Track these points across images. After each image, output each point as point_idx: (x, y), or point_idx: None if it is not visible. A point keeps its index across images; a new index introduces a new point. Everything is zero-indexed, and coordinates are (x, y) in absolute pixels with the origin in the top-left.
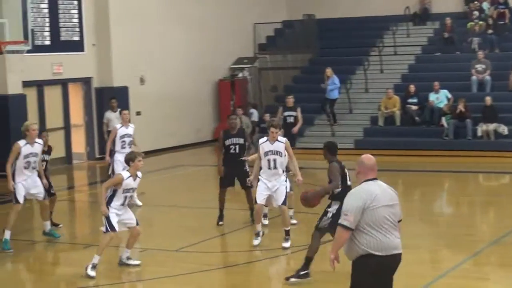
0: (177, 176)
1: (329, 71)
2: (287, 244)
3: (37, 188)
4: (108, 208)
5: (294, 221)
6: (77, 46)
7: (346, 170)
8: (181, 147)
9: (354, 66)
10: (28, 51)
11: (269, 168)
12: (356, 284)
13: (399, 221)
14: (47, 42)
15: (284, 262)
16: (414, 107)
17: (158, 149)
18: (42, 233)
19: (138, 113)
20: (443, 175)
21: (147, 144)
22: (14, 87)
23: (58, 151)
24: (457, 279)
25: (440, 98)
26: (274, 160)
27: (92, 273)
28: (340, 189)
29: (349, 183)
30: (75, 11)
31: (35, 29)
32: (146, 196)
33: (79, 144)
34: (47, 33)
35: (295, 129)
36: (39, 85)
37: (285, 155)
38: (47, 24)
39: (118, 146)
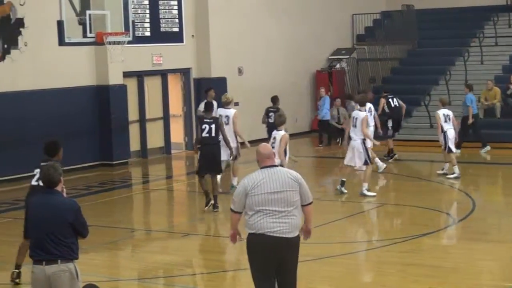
0: None
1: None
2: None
3: None
4: None
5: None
6: (177, 37)
7: None
8: None
9: (453, 57)
10: (129, 42)
11: None
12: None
13: (308, 204)
14: (147, 33)
15: (380, 253)
16: None
17: (255, 139)
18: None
19: (236, 104)
20: None
21: (244, 135)
22: (115, 78)
23: (157, 141)
24: None
25: None
26: None
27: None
28: None
29: None
30: (175, 2)
31: (135, 20)
32: None
33: (177, 134)
34: (147, 24)
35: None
36: (139, 76)
37: None
38: (147, 16)
39: None
